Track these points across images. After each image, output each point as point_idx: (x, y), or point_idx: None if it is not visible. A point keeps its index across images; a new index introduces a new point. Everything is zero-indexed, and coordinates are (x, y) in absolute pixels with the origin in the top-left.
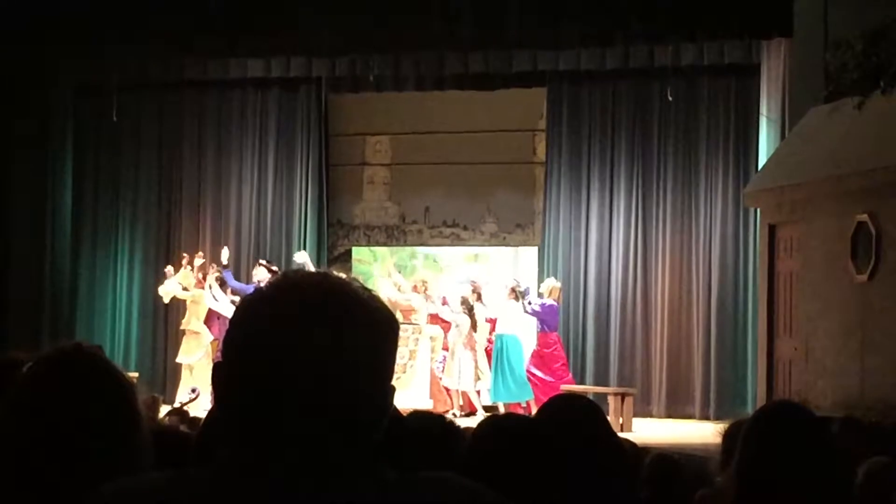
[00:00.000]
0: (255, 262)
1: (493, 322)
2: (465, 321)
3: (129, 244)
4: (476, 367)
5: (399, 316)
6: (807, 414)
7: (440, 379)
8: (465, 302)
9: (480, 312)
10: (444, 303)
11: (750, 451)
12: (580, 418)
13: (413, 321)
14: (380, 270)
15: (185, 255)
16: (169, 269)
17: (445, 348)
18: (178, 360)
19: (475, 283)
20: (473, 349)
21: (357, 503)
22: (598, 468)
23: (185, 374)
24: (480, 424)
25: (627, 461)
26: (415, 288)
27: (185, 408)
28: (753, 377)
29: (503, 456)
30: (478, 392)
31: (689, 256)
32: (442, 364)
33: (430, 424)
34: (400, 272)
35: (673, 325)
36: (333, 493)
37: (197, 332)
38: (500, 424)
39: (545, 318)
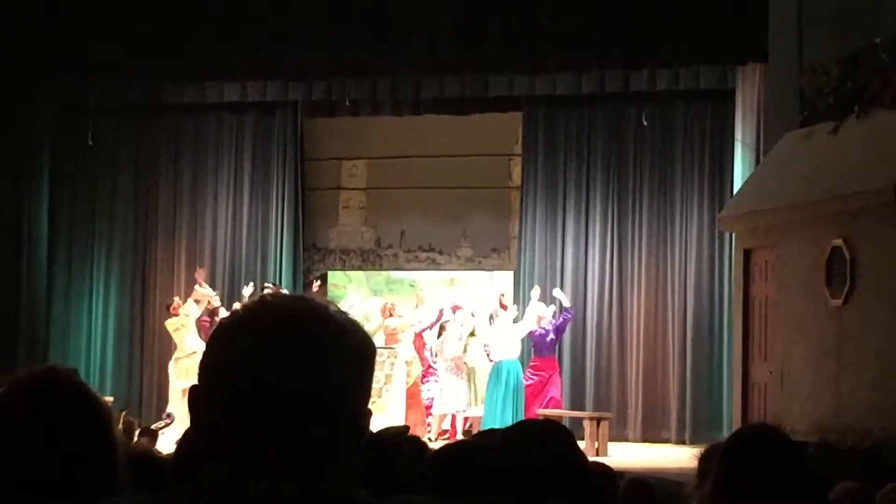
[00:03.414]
0: (261, 286)
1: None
2: (441, 346)
3: (105, 267)
4: (469, 391)
5: (381, 340)
6: (782, 437)
7: (429, 406)
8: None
9: (455, 331)
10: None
11: (725, 473)
12: (549, 442)
13: (390, 346)
14: (355, 294)
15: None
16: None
17: (426, 375)
18: (178, 385)
19: (455, 306)
20: (460, 372)
21: None
22: (567, 492)
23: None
24: (445, 446)
25: (597, 486)
26: (383, 310)
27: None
28: (729, 401)
29: (464, 479)
30: (465, 419)
31: (664, 281)
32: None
33: (397, 439)
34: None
35: (648, 350)
36: None
37: (195, 352)
38: (462, 447)
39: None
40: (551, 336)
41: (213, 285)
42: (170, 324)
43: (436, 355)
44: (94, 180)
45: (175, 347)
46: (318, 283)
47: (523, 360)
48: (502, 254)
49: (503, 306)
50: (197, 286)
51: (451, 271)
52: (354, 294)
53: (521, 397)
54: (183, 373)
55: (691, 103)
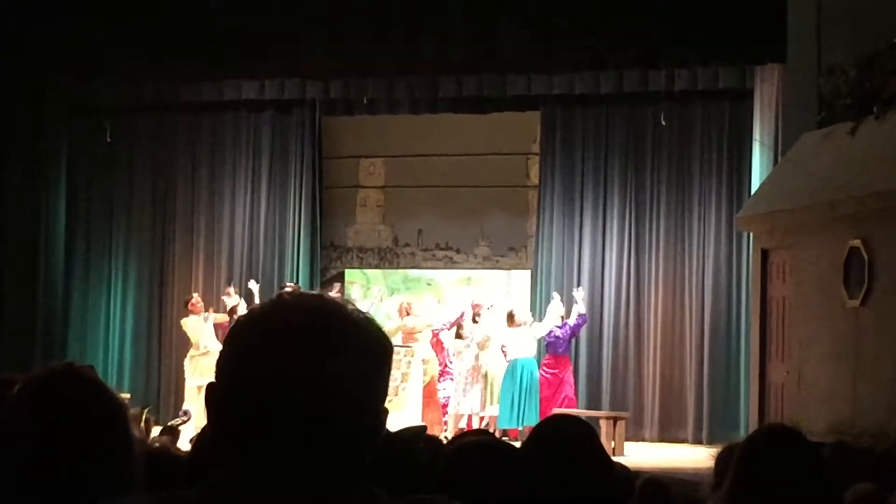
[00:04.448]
0: (280, 286)
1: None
2: (459, 347)
3: (123, 265)
4: (484, 392)
5: (399, 339)
6: (799, 438)
7: (445, 405)
8: (458, 325)
9: (474, 332)
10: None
11: (742, 473)
12: (573, 438)
13: (407, 345)
14: (371, 293)
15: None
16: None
17: (443, 374)
18: (192, 383)
19: (476, 304)
20: (478, 374)
21: None
22: (589, 489)
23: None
24: (456, 443)
25: (619, 482)
26: (400, 310)
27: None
28: (746, 402)
29: (482, 475)
30: (481, 418)
31: (681, 281)
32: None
33: (414, 439)
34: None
35: (665, 349)
36: None
37: (210, 351)
38: (475, 443)
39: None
40: (562, 336)
41: (230, 283)
42: (186, 324)
43: (453, 355)
44: (111, 178)
45: (191, 345)
46: (339, 286)
47: (538, 358)
48: (519, 253)
49: (513, 320)
50: (225, 297)
51: (468, 270)
52: (373, 295)
53: (536, 395)
54: (198, 370)
55: (709, 103)
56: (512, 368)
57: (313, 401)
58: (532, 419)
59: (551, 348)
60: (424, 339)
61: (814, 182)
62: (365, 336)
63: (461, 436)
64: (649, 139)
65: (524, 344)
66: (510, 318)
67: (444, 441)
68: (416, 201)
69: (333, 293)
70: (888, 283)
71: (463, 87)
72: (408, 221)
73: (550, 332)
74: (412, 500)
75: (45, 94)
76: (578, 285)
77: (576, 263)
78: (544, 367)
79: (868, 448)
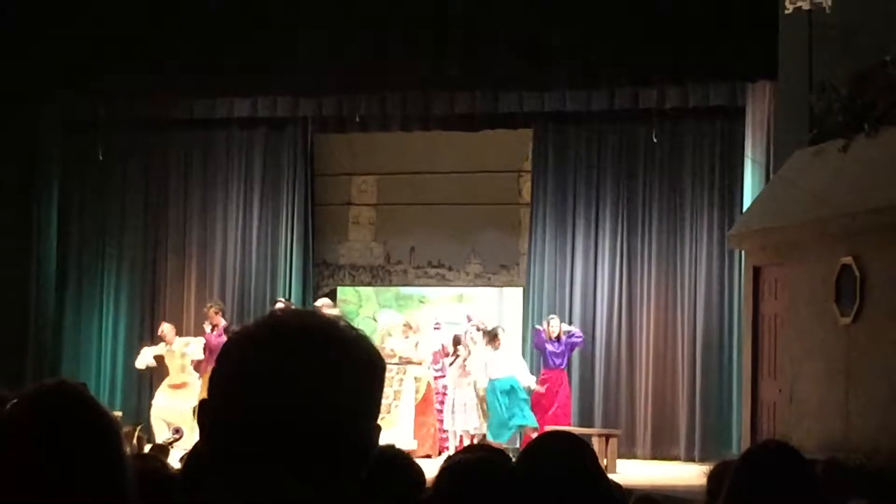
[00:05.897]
0: (273, 302)
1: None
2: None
3: (115, 282)
4: (478, 408)
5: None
6: (795, 455)
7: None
8: (457, 341)
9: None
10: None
11: (738, 490)
12: (568, 454)
13: (399, 362)
14: (365, 311)
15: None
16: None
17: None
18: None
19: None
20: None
21: None
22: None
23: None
24: (459, 460)
25: (613, 500)
26: (405, 331)
27: (169, 447)
28: (738, 419)
29: (476, 491)
30: (472, 437)
31: (673, 298)
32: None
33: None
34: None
35: (658, 367)
36: None
37: (185, 383)
38: (469, 460)
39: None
40: (553, 350)
41: (222, 300)
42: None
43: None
44: (103, 195)
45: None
46: (333, 305)
47: (534, 373)
48: (511, 270)
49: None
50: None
51: (460, 287)
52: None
53: (519, 401)
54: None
55: (701, 120)
56: (492, 388)
57: (306, 416)
58: (521, 419)
59: (546, 363)
60: (425, 360)
61: (806, 199)
62: (357, 353)
63: (457, 452)
64: (641, 156)
65: (504, 364)
66: (493, 338)
67: (438, 456)
68: (408, 219)
69: (335, 311)
70: (880, 300)
71: (455, 104)
72: (400, 239)
73: (545, 349)
74: None
75: (38, 111)
76: (570, 302)
77: (568, 281)
78: (539, 383)
79: (860, 465)
